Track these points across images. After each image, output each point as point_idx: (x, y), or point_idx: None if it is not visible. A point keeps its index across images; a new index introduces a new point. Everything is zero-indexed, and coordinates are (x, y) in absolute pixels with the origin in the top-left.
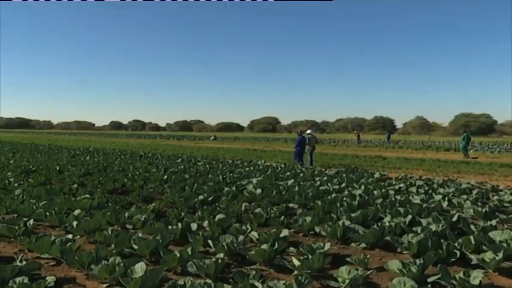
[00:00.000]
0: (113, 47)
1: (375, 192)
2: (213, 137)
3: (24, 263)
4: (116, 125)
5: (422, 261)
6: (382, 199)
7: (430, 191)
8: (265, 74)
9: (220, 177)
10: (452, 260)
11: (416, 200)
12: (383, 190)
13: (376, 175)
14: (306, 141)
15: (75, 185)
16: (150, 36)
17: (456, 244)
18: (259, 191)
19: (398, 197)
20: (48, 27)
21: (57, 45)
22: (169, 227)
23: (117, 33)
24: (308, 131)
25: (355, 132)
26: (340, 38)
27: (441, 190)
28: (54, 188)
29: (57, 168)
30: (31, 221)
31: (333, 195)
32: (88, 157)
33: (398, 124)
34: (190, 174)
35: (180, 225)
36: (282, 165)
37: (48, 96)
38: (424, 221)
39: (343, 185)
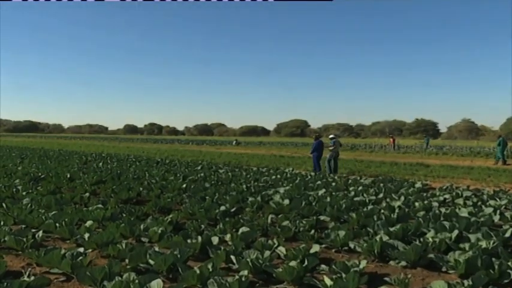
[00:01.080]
0: (125, 48)
1: (416, 204)
2: (235, 141)
3: (32, 278)
4: (131, 129)
5: (471, 283)
6: (425, 212)
7: (479, 203)
8: (293, 74)
9: (244, 186)
10: (506, 281)
11: (464, 213)
12: (425, 202)
13: (418, 185)
14: (322, 146)
15: (87, 194)
16: (166, 35)
17: (510, 263)
18: (286, 201)
19: (442, 210)
20: (56, 28)
21: (66, 46)
22: (188, 240)
23: (129, 32)
24: (331, 135)
25: (390, 136)
26: (380, 34)
27: (492, 202)
28: (65, 197)
29: (68, 175)
30: (40, 233)
31: (369, 207)
32: (101, 163)
33: (442, 128)
34: (211, 182)
35: (200, 238)
36: (312, 174)
37: (58, 98)
38: (472, 237)
39: (381, 195)
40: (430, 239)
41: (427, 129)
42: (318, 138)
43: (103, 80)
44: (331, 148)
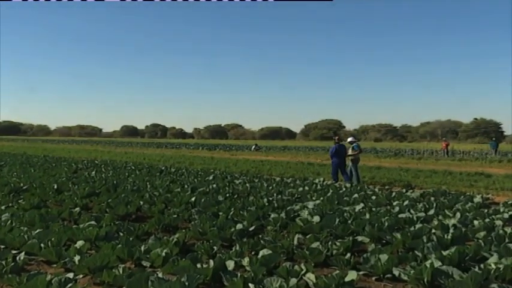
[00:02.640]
0: (119, 41)
1: (476, 222)
2: (255, 146)
3: None
4: (129, 131)
5: None
6: (486, 232)
7: None
8: (323, 69)
9: (265, 200)
10: None
11: None
12: (487, 220)
13: (477, 199)
14: (345, 151)
15: (78, 209)
16: (171, 28)
17: None
18: (316, 218)
19: (508, 230)
20: (36, 17)
21: (51, 36)
22: (198, 265)
23: (122, 27)
24: (350, 139)
25: (443, 140)
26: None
27: None
28: (51, 212)
29: (55, 186)
30: (22, 255)
31: (418, 225)
32: (94, 172)
33: (507, 129)
34: (226, 195)
35: (212, 263)
36: (348, 185)
37: (44, 95)
38: None
39: (431, 212)
40: (493, 266)
41: (488, 131)
42: (339, 142)
43: (96, 75)
44: (352, 153)
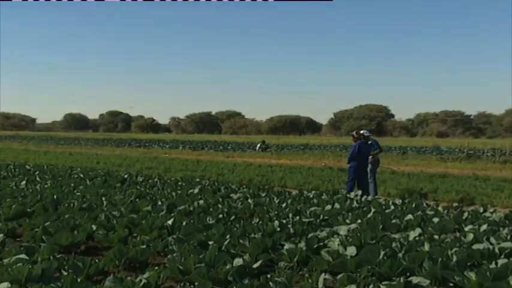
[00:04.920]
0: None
1: None
2: (261, 144)
3: None
4: (76, 122)
5: None
6: None
7: None
8: (359, 42)
9: (276, 223)
10: None
11: None
12: None
13: None
14: (367, 152)
15: (0, 236)
16: None
17: None
18: (352, 251)
19: None
20: None
21: None
22: None
23: None
24: (363, 130)
25: None
26: None
27: None
28: None
29: None
30: None
31: (501, 261)
32: (24, 183)
33: None
34: (218, 216)
35: None
36: (398, 201)
37: None
38: None
39: None
40: None
41: None
42: (360, 139)
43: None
44: (372, 153)
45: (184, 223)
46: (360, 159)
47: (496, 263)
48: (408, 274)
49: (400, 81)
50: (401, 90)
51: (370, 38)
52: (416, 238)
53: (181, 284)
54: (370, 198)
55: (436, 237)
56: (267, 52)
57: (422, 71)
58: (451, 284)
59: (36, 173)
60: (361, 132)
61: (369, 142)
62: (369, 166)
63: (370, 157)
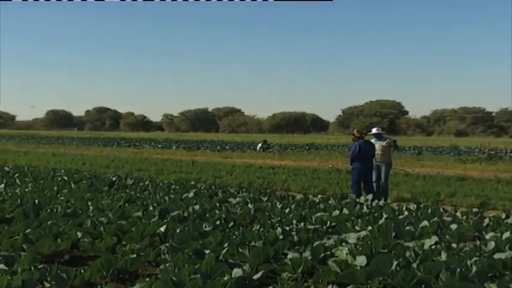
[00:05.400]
0: None
1: None
2: (262, 144)
3: None
4: (60, 119)
5: None
6: None
7: None
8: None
9: (279, 230)
10: None
11: None
12: None
13: None
14: (370, 152)
15: None
16: None
17: None
18: (361, 260)
19: None
20: None
21: None
22: None
23: None
24: (375, 130)
25: None
26: None
27: None
28: None
29: None
30: None
31: None
32: (2, 186)
33: None
34: (215, 223)
35: None
36: (412, 206)
37: None
38: None
39: None
40: None
41: None
42: (360, 137)
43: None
44: (383, 147)
45: (178, 230)
46: (363, 159)
47: None
48: (423, 286)
49: (415, 75)
50: (416, 85)
51: (380, 29)
52: (433, 247)
53: None
54: (382, 203)
55: (454, 245)
56: (268, 44)
57: (438, 63)
58: None
59: (16, 175)
60: (374, 130)
61: (385, 141)
62: (383, 168)
63: (378, 157)
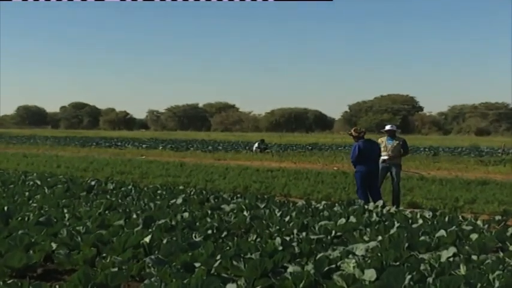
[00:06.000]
0: None
1: None
2: (258, 143)
3: None
4: (31, 116)
5: None
6: None
7: None
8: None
9: (278, 240)
10: None
11: None
12: None
13: None
14: (374, 152)
15: None
16: None
17: None
18: (371, 274)
19: None
20: None
21: None
22: None
23: None
24: (388, 127)
25: None
26: None
27: None
28: None
29: None
30: None
31: None
32: None
33: None
34: (207, 232)
35: None
36: (427, 213)
37: None
38: None
39: None
40: None
41: None
42: (362, 136)
43: None
44: (392, 151)
45: (164, 241)
46: (365, 161)
47: None
48: None
49: (430, 66)
50: (432, 78)
51: (390, 17)
52: (450, 259)
53: None
54: (393, 210)
55: (474, 258)
56: (266, 34)
57: (457, 53)
58: None
59: None
60: (386, 127)
61: (396, 141)
62: (394, 170)
63: (389, 158)
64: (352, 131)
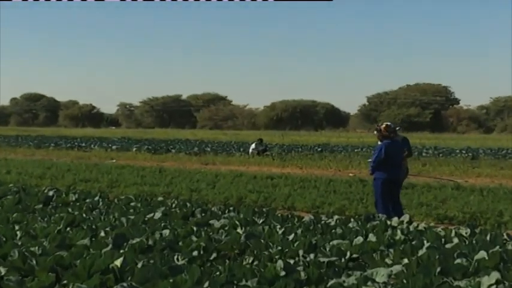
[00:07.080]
0: None
1: None
2: (256, 143)
3: None
4: None
5: None
6: None
7: None
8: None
9: (280, 262)
10: None
11: None
12: None
13: None
14: (399, 154)
15: None
16: None
17: None
18: None
19: None
20: None
21: None
22: None
23: None
24: (388, 122)
25: None
26: None
27: None
28: None
29: None
30: None
31: None
32: None
33: None
34: (192, 253)
35: None
36: (464, 230)
37: None
38: None
39: None
40: None
41: None
42: (391, 135)
43: None
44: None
45: (139, 264)
46: (389, 166)
47: None
48: None
49: (467, 51)
50: (470, 65)
51: None
52: (493, 287)
53: None
54: (422, 226)
55: None
56: (265, 11)
57: (498, 35)
58: None
59: None
60: (391, 126)
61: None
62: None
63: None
64: (382, 127)
